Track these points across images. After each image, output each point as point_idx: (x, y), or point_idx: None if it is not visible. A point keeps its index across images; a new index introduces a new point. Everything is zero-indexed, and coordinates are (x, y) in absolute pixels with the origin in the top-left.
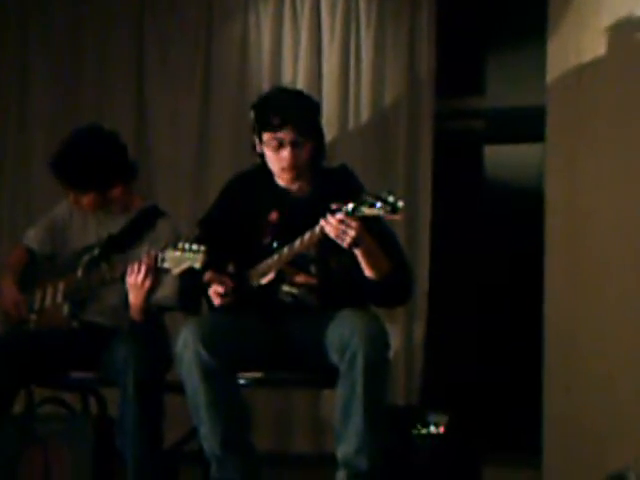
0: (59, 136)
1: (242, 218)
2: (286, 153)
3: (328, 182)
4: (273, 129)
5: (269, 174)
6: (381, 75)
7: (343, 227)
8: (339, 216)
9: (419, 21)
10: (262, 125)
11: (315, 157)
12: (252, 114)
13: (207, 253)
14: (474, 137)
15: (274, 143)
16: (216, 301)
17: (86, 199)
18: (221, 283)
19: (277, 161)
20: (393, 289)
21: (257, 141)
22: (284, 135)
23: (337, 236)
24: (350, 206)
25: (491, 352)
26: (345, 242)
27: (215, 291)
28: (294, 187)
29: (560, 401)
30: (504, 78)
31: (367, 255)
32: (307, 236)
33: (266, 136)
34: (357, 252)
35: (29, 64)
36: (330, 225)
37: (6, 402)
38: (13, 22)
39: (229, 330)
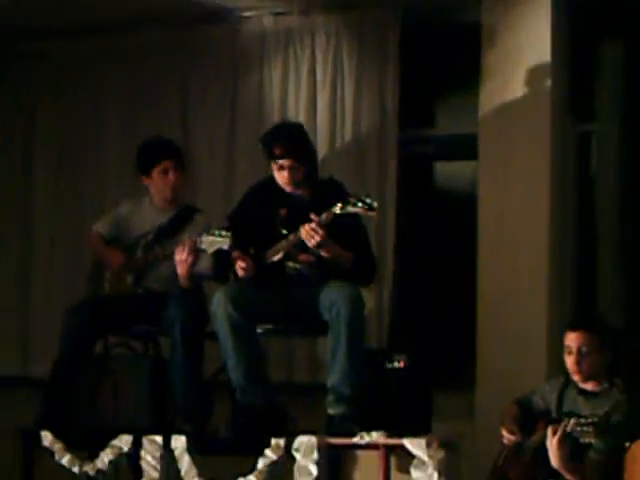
0: (129, 159)
1: (260, 214)
2: (285, 174)
3: (321, 189)
4: (275, 158)
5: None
6: (359, 112)
7: (312, 233)
8: (312, 225)
9: (387, 73)
10: (268, 154)
11: (309, 173)
12: (260, 145)
13: (232, 238)
14: (427, 157)
15: (276, 167)
16: (240, 273)
17: (171, 176)
18: (244, 261)
19: (280, 178)
20: (357, 275)
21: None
22: (283, 162)
23: (306, 238)
24: (338, 205)
25: (438, 311)
26: (311, 244)
27: (240, 266)
28: (297, 192)
29: (489, 345)
30: (449, 114)
31: (329, 255)
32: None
33: (271, 161)
34: (321, 252)
35: (104, 114)
36: (305, 230)
37: (89, 346)
38: (90, 92)
39: (250, 294)
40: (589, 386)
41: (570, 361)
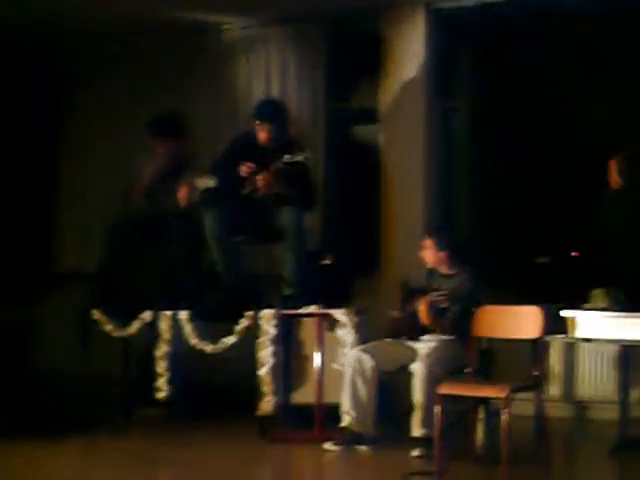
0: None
1: (239, 159)
2: (264, 133)
3: (281, 142)
4: (260, 122)
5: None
6: (300, 92)
7: (263, 181)
8: (263, 175)
9: (318, 65)
10: (256, 118)
11: (278, 132)
12: (252, 112)
13: (216, 178)
14: (346, 122)
15: (259, 126)
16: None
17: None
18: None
19: (260, 135)
20: (304, 204)
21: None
22: (264, 125)
23: (260, 185)
24: (288, 156)
25: (354, 224)
26: (262, 187)
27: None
28: (267, 144)
29: (388, 247)
30: (359, 94)
31: (277, 191)
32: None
33: (256, 122)
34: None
35: None
36: (258, 179)
37: (123, 251)
38: None
39: (228, 215)
40: (446, 271)
41: (426, 255)
